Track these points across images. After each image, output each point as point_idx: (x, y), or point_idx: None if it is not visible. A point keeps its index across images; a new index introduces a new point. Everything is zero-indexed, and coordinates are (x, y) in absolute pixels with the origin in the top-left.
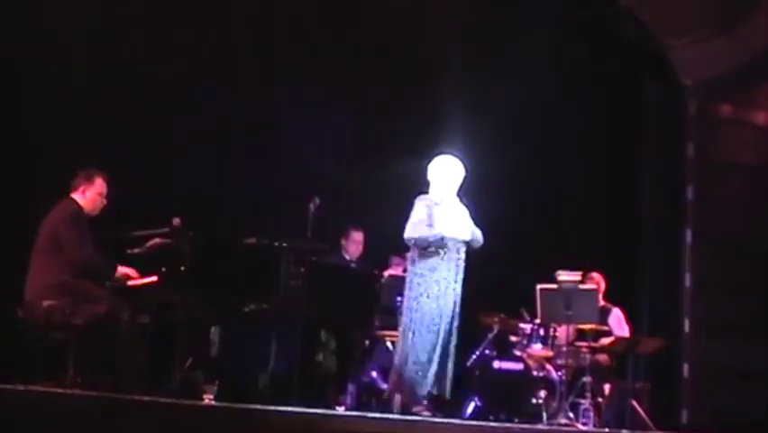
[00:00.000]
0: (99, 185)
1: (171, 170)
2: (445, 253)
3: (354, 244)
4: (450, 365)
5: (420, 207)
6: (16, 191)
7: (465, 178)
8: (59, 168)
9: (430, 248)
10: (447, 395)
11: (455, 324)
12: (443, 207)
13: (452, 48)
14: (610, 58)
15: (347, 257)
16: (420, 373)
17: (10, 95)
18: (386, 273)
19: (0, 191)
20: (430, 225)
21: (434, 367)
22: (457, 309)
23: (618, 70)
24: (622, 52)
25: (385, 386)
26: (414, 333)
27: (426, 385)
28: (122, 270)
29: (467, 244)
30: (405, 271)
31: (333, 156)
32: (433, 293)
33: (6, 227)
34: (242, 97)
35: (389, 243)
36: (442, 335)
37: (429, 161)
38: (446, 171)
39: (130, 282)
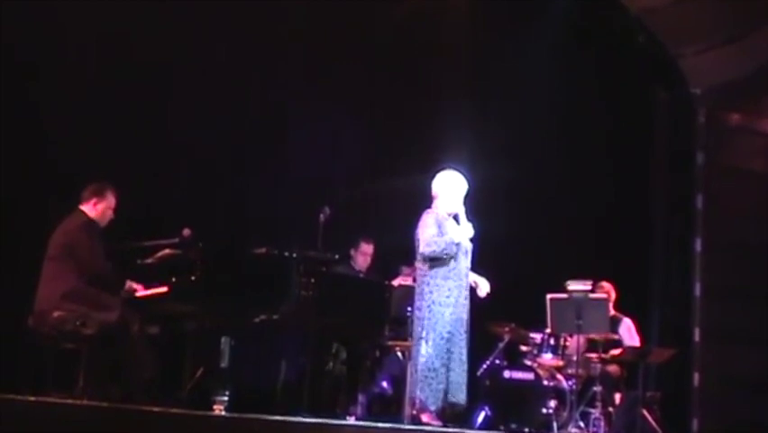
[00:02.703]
0: (110, 199)
1: (182, 180)
2: (456, 261)
3: (363, 256)
4: (465, 373)
5: (429, 220)
6: (27, 203)
7: (468, 192)
8: (70, 180)
9: (442, 258)
10: (464, 403)
11: (466, 332)
12: (451, 220)
13: (461, 60)
14: (620, 66)
15: (355, 268)
16: (434, 381)
17: (24, 107)
18: (395, 283)
19: (11, 203)
20: (441, 235)
21: (450, 375)
22: (467, 318)
23: (628, 79)
24: (632, 60)
25: (395, 396)
26: (427, 341)
27: (441, 393)
28: (128, 284)
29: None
30: (414, 280)
31: (344, 167)
32: (444, 301)
33: (17, 239)
34: (253, 109)
35: (399, 253)
36: (456, 342)
37: (433, 176)
38: (451, 186)
39: (139, 293)
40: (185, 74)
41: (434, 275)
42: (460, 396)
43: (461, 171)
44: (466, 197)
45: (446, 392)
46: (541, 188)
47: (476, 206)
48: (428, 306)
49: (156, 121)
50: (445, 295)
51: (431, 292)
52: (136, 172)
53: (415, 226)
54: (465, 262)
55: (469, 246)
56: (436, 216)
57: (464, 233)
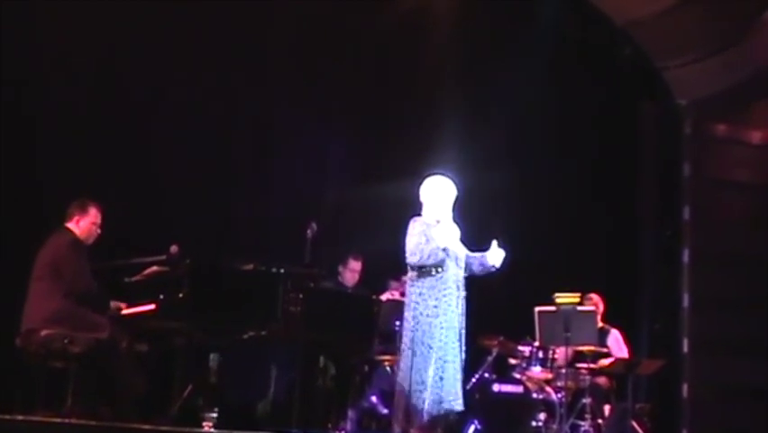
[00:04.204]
0: (93, 215)
1: (168, 197)
2: (444, 271)
3: (351, 273)
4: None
5: (416, 228)
6: (14, 221)
7: (457, 197)
8: (57, 197)
9: (429, 267)
10: (460, 407)
11: (462, 342)
12: (438, 227)
13: (448, 70)
14: (606, 78)
15: (343, 284)
16: (424, 393)
17: (14, 127)
18: (383, 297)
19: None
20: (427, 243)
21: (443, 384)
22: (462, 327)
23: (614, 90)
24: (618, 72)
25: (385, 411)
26: (414, 352)
27: (433, 405)
28: (113, 303)
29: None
30: (402, 294)
31: (331, 180)
32: (432, 312)
33: (5, 256)
34: (239, 124)
35: (387, 266)
36: (449, 351)
37: (421, 182)
38: (439, 191)
39: (127, 311)
40: (171, 89)
41: (420, 285)
42: (454, 404)
43: (449, 177)
44: (455, 202)
45: (439, 402)
46: (527, 199)
47: (463, 217)
48: (414, 316)
49: (141, 137)
50: (433, 305)
51: (417, 303)
52: (123, 189)
53: (403, 236)
54: (455, 269)
55: (460, 254)
56: (423, 223)
57: (449, 236)
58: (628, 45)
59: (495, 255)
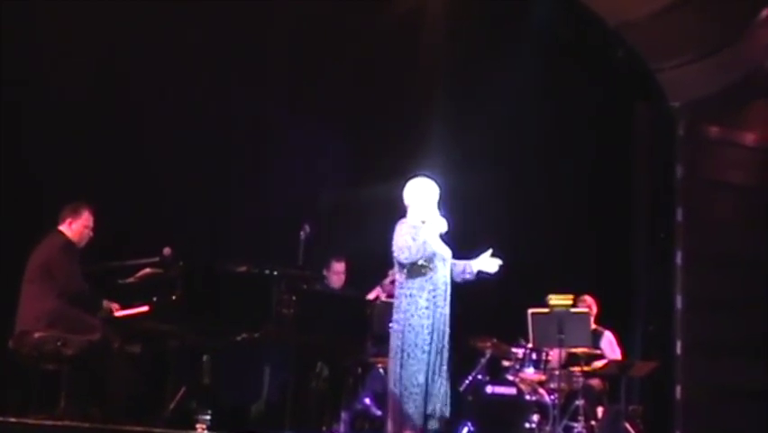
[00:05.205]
0: (86, 218)
1: (162, 199)
2: (433, 271)
3: (336, 275)
4: (447, 384)
5: (403, 229)
6: (6, 223)
7: (448, 197)
8: (51, 199)
9: (420, 264)
10: (447, 414)
11: (446, 342)
12: (425, 227)
13: (440, 72)
14: (599, 80)
15: (330, 287)
16: (420, 396)
17: (15, 127)
18: (370, 296)
19: None
20: (415, 240)
21: (435, 386)
22: (446, 328)
23: (607, 93)
24: (611, 74)
25: (379, 413)
26: (408, 355)
27: (428, 406)
28: (106, 303)
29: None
30: (390, 296)
31: (329, 181)
32: (423, 313)
33: (3, 258)
34: (238, 124)
35: (385, 267)
36: (436, 354)
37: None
38: (422, 193)
39: (121, 313)
40: (166, 90)
41: (410, 286)
42: (442, 408)
43: (431, 177)
44: (439, 201)
45: (428, 405)
46: (521, 201)
47: (458, 217)
48: (406, 318)
49: (141, 137)
50: (424, 306)
51: (409, 304)
52: (116, 191)
53: (391, 239)
54: (443, 270)
55: (447, 255)
56: (410, 224)
57: (437, 237)
58: (622, 47)
59: (488, 264)
